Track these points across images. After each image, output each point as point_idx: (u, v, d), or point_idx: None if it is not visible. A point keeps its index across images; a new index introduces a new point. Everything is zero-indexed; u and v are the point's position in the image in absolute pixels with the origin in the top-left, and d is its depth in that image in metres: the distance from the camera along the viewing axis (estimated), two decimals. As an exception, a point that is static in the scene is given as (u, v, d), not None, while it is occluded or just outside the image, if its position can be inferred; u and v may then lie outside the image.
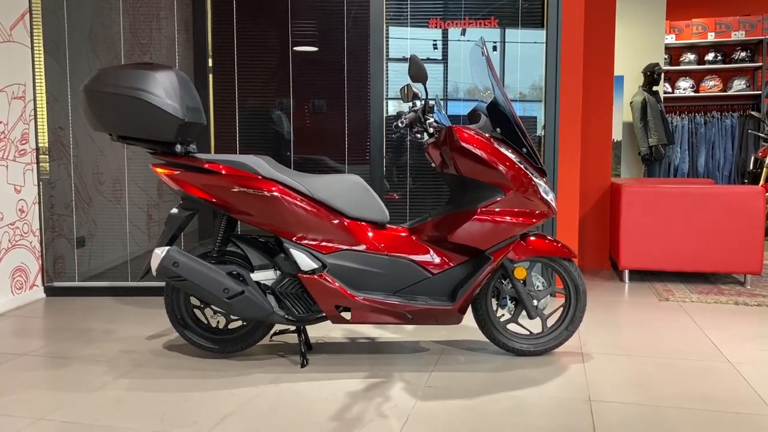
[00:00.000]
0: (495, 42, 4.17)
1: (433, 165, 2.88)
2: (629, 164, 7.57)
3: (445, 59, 4.21)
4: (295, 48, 4.15)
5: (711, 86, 8.31)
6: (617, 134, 7.56)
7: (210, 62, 4.13)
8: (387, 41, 4.10)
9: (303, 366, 2.77)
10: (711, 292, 4.25)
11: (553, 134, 4.05)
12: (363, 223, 2.78)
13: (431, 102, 2.75)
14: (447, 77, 4.21)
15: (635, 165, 7.54)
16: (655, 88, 7.17)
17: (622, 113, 7.53)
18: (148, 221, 4.53)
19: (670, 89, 8.36)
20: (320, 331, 3.29)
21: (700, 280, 4.64)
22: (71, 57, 4.20)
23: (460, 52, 4.16)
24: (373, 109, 4.04)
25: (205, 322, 2.93)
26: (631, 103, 7.27)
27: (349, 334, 3.27)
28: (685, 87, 8.37)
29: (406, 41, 4.16)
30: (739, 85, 8.20)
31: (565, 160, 4.15)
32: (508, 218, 2.69)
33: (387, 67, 4.10)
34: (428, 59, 4.18)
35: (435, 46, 4.21)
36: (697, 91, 8.37)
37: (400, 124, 2.72)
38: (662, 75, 7.28)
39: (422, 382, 2.59)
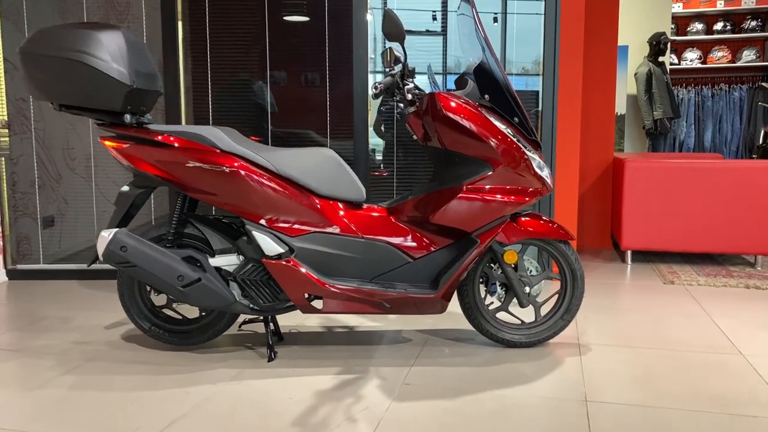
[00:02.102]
0: (496, 13, 3.87)
1: (415, 137, 2.58)
2: (633, 139, 7.25)
3: (444, 31, 3.90)
4: (272, 12, 3.83)
5: (719, 57, 7.95)
6: (621, 107, 7.23)
7: (179, 26, 3.81)
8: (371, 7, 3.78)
9: (270, 360, 2.51)
10: (719, 275, 3.97)
11: (551, 107, 3.75)
12: (336, 203, 2.50)
13: (412, 66, 2.45)
14: (447, 50, 3.90)
15: (639, 139, 7.22)
16: (660, 59, 6.84)
17: (626, 85, 7.19)
18: (127, 199, 4.24)
19: (676, 60, 8.00)
20: (294, 320, 3.03)
21: (707, 262, 4.36)
22: (33, 21, 3.89)
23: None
24: (356, 78, 3.73)
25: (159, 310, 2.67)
26: (635, 74, 6.93)
27: (325, 322, 3.01)
28: (692, 58, 8.01)
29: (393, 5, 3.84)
30: (748, 56, 7.85)
31: (564, 134, 3.85)
32: (497, 196, 2.41)
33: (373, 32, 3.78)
34: (427, 31, 3.88)
35: (434, 18, 3.90)
36: (704, 62, 8.01)
37: (374, 89, 2.43)
38: (668, 45, 6.93)
39: (400, 379, 2.33)
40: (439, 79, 3.94)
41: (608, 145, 4.94)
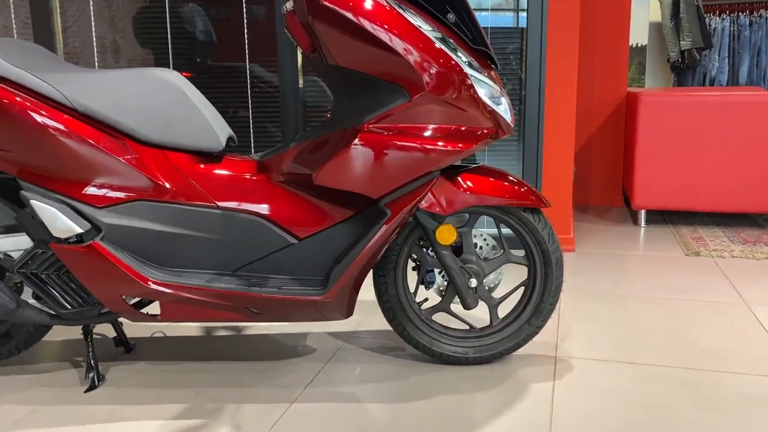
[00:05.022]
0: None
1: (299, 50, 1.68)
2: (656, 73, 6.22)
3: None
4: None
5: (760, -23, 6.77)
6: (642, 37, 6.17)
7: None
8: None
9: (90, 389, 1.70)
10: (760, 242, 3.06)
11: (539, 32, 2.81)
12: (176, 154, 1.63)
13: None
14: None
15: (663, 75, 6.19)
16: (690, -23, 5.74)
17: (649, 10, 6.10)
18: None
19: (708, -18, 6.84)
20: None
21: (743, 223, 3.44)
22: None
23: None
24: (277, -13, 2.81)
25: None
26: (659, -4, 5.85)
27: (208, 320, 2.18)
28: (727, -21, 6.84)
29: None
30: (795, -25, 6.65)
31: (556, 65, 2.90)
32: (418, 141, 1.52)
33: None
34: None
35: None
36: (742, -17, 6.84)
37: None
38: (700, -41, 5.82)
39: (263, 430, 1.50)
40: None
41: (620, 79, 3.98)
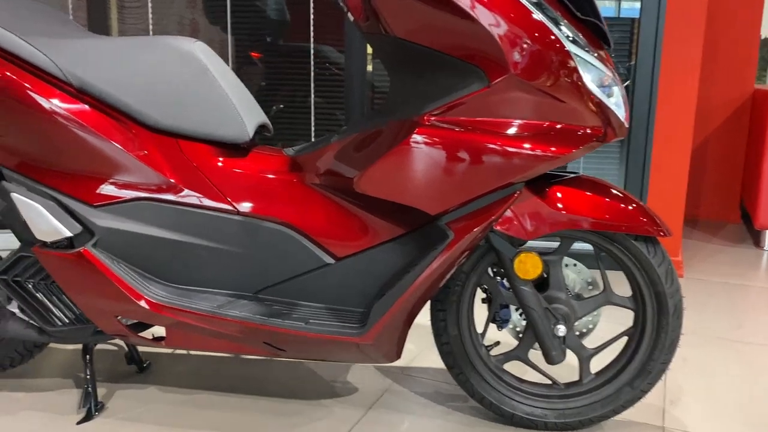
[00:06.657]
0: None
1: (351, 18, 1.32)
2: (781, 71, 5.47)
3: None
4: None
5: None
6: (765, 30, 5.45)
7: None
8: None
9: (84, 420, 1.42)
10: None
11: (654, 21, 2.34)
12: (189, 143, 1.31)
13: None
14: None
15: (790, 72, 5.43)
16: (832, -40, 4.97)
17: (777, -1, 5.37)
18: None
19: None
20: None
21: None
22: None
23: None
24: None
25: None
26: (792, -19, 5.10)
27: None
28: None
29: None
30: None
31: (672, 58, 2.41)
32: (500, 143, 1.13)
33: None
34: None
35: None
36: None
37: None
38: None
39: (272, 505, 1.17)
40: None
41: (747, 74, 3.40)
